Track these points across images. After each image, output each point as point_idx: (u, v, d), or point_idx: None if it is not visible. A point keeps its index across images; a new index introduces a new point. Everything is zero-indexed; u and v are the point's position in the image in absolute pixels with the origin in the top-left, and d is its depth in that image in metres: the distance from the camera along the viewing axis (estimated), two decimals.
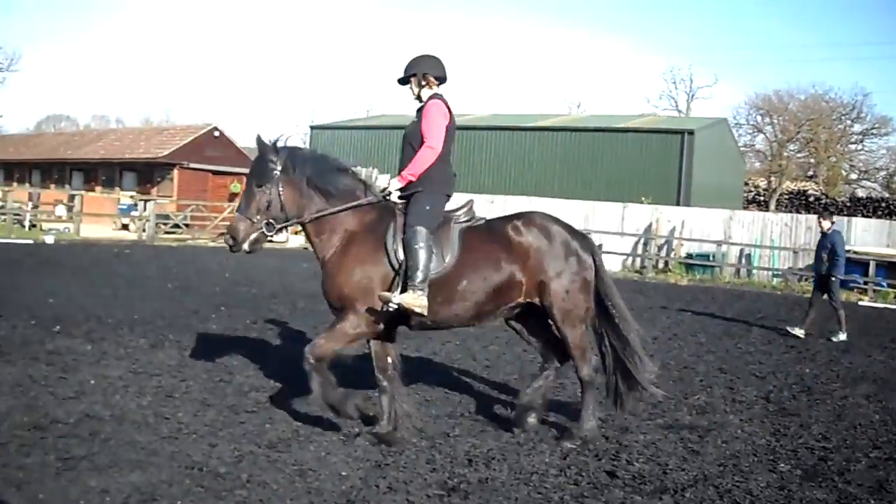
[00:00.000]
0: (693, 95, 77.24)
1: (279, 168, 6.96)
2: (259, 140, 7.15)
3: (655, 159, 40.49)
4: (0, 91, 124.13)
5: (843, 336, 14.77)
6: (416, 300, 6.54)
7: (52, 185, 47.46)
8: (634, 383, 7.30)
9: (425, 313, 6.62)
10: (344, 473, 6.04)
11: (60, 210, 36.56)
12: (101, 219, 36.28)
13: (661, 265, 32.77)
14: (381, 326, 6.93)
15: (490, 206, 37.94)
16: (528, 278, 7.00)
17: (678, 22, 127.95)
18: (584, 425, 7.11)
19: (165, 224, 33.30)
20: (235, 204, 33.48)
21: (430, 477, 6.07)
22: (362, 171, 6.81)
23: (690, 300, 21.67)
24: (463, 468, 6.32)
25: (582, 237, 7.40)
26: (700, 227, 33.04)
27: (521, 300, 7.11)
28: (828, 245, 15.34)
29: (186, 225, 33.99)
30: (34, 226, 34.27)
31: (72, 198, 37.18)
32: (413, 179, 6.96)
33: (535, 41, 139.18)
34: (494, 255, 6.96)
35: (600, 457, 6.79)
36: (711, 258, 31.67)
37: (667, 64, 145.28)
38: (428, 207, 6.85)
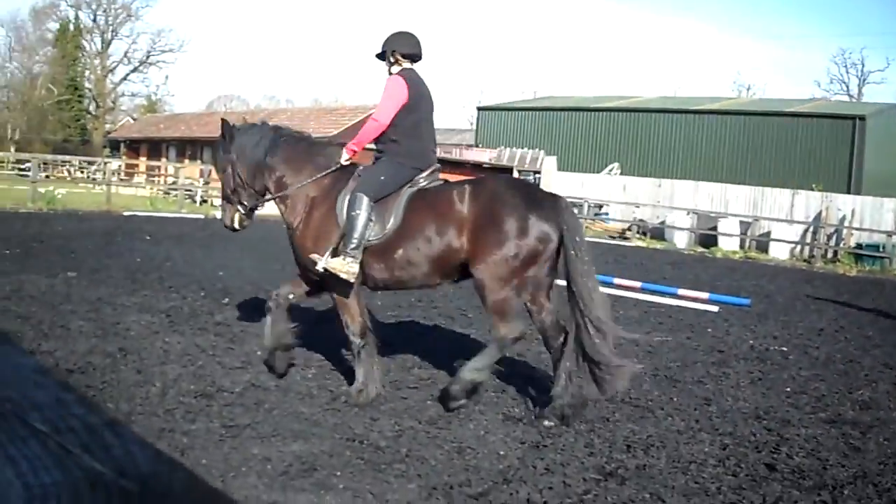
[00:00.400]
0: (865, 80, 74.07)
1: (233, 153, 7.48)
2: (221, 126, 7.60)
3: (825, 145, 39.46)
4: (172, 71, 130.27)
5: None
6: (343, 266, 6.77)
7: None
8: (595, 362, 6.82)
9: (352, 280, 6.85)
10: (502, 452, 6.08)
11: None
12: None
13: (829, 255, 31.86)
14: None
15: (657, 190, 37.42)
16: (468, 245, 6.83)
17: (850, 3, 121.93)
18: (463, 374, 6.95)
19: None
20: None
21: (587, 461, 6.06)
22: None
23: (859, 292, 20.63)
24: (621, 454, 6.28)
25: (544, 207, 6.94)
26: (871, 216, 32.21)
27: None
28: None
29: None
30: (205, 201, 35.80)
31: None
32: (357, 150, 7.27)
33: (701, 23, 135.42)
34: (434, 221, 6.91)
35: (760, 449, 6.65)
36: (882, 249, 30.44)
37: (837, 47, 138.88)
38: (382, 178, 7.02)
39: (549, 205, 6.98)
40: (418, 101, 7.28)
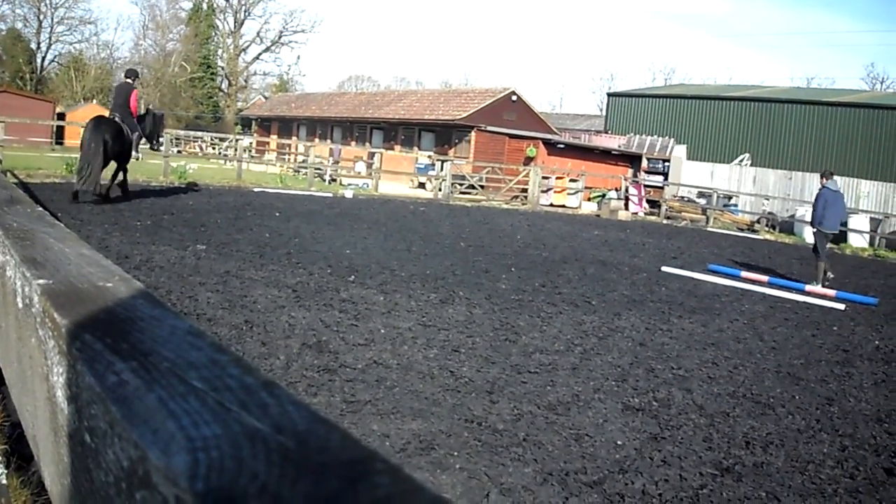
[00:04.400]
0: None
1: None
2: None
3: None
4: (303, 52, 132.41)
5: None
6: None
7: (353, 143, 50.27)
8: None
9: None
10: (619, 442, 6.06)
11: (360, 166, 38.66)
12: (398, 176, 38.02)
13: None
14: None
15: (788, 183, 36.48)
16: None
17: None
18: None
19: (461, 184, 34.26)
20: (530, 167, 34.02)
21: (705, 455, 6.00)
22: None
23: None
24: (739, 450, 6.21)
25: None
26: None
27: None
28: None
29: (482, 186, 34.83)
30: (334, 180, 36.38)
31: (371, 155, 39.19)
32: None
33: (834, 12, 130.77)
34: None
35: (880, 453, 6.50)
36: None
37: None
38: None
39: None
40: None
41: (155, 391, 0.77)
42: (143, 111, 19.51)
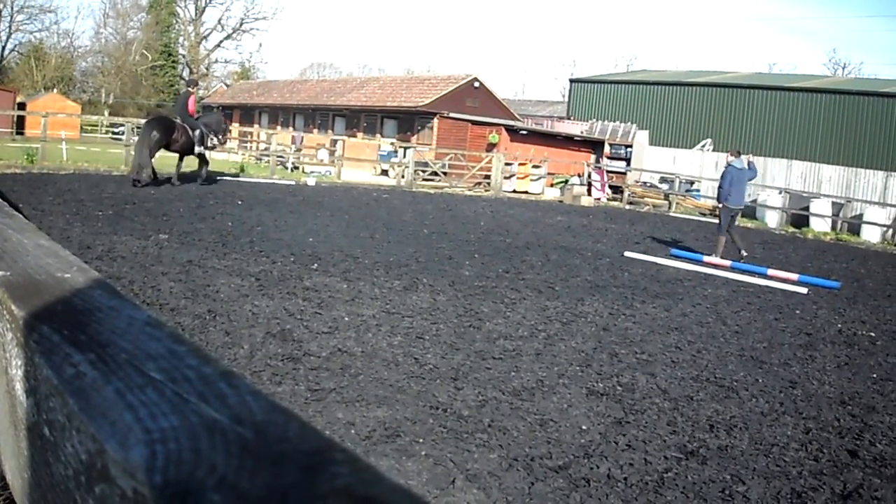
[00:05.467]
0: None
1: None
2: None
3: None
4: (265, 39, 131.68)
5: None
6: None
7: (315, 130, 50.02)
8: None
9: None
10: (584, 427, 6.10)
11: (322, 154, 38.50)
12: (361, 164, 37.88)
13: None
14: None
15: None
16: None
17: None
18: None
19: (424, 171, 34.21)
20: (493, 154, 34.05)
21: (669, 439, 6.06)
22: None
23: None
24: (704, 433, 6.27)
25: None
26: None
27: None
28: None
29: (444, 173, 34.80)
30: (296, 168, 36.23)
31: (334, 142, 39.01)
32: None
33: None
34: None
35: (843, 435, 6.59)
36: None
37: None
38: None
39: None
40: None
41: (112, 383, 0.76)
42: (196, 110, 23.34)
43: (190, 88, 23.20)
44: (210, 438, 0.61)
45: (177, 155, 22.02)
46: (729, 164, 18.05)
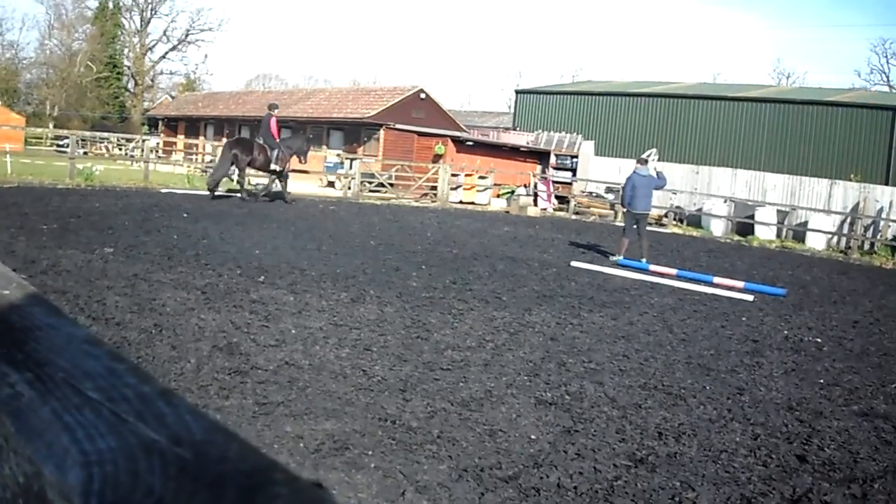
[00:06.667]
0: None
1: None
2: None
3: (864, 136, 38.71)
4: (211, 50, 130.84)
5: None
6: None
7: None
8: None
9: None
10: (533, 437, 6.11)
11: None
12: (307, 175, 37.71)
13: (866, 246, 31.60)
14: None
15: (695, 177, 37.25)
16: None
17: None
18: None
19: (370, 182, 34.12)
20: (439, 165, 34.08)
21: (618, 447, 6.09)
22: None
23: (895, 284, 20.44)
24: (652, 440, 6.31)
25: None
26: None
27: None
28: None
29: (391, 184, 34.75)
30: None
31: None
32: None
33: (742, 9, 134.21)
34: None
35: (792, 440, 6.67)
36: None
37: (878, 37, 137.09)
38: None
39: None
40: None
41: (49, 403, 0.74)
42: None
43: (271, 112, 25.36)
44: (148, 460, 0.60)
45: (261, 171, 25.43)
46: (634, 172, 18.74)
